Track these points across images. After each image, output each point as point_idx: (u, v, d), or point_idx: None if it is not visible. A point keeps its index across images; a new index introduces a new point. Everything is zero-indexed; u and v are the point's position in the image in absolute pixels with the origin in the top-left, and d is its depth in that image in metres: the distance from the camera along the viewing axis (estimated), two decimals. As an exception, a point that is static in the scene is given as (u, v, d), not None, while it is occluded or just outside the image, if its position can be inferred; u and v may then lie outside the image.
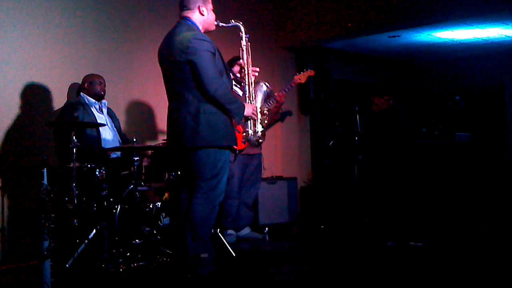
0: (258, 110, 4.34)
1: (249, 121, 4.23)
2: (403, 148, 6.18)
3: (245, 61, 4.24)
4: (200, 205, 3.87)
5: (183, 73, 3.83)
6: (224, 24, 4.17)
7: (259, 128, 4.34)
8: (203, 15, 4.02)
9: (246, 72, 4.25)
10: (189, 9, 4.00)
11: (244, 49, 4.25)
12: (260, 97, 4.38)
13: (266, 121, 4.38)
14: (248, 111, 4.07)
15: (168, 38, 3.96)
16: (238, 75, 4.42)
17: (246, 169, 5.86)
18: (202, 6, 4.01)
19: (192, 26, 3.97)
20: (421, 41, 7.72)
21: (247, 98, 4.22)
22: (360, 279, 4.15)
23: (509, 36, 7.40)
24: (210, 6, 4.07)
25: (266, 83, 4.46)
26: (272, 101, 5.93)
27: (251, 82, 4.26)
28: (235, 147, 4.17)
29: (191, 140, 3.82)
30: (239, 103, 4.00)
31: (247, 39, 4.25)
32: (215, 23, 4.11)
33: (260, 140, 4.36)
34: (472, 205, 6.19)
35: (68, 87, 5.26)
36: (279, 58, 7.47)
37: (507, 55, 8.35)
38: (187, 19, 4.00)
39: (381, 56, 8.72)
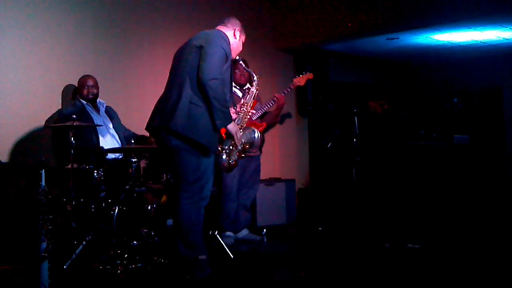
0: (241, 143, 4.39)
1: (229, 141, 4.30)
2: (401, 149, 6.19)
3: (247, 102, 4.53)
4: (186, 211, 3.85)
5: (191, 58, 3.86)
6: (243, 65, 4.61)
7: (235, 157, 4.39)
8: (235, 38, 4.14)
9: (245, 109, 4.50)
10: (226, 26, 4.13)
11: (251, 94, 4.58)
12: (246, 136, 4.50)
13: (243, 155, 4.48)
14: (233, 127, 4.09)
15: (195, 36, 4.03)
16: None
17: (244, 171, 5.87)
18: (238, 30, 4.15)
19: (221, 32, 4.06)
20: (419, 44, 7.72)
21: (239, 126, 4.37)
22: (358, 280, 4.16)
23: (506, 39, 7.41)
24: (243, 38, 4.22)
25: (259, 133, 4.65)
26: (272, 103, 5.94)
27: (246, 117, 4.49)
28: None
29: (166, 121, 3.80)
30: (228, 110, 3.98)
31: (257, 87, 4.58)
32: (237, 57, 4.29)
33: (231, 167, 4.42)
34: (470, 207, 6.19)
35: (67, 89, 5.27)
36: (278, 60, 7.48)
37: (505, 57, 8.36)
38: (220, 31, 4.07)
39: (379, 58, 8.73)
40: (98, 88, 5.09)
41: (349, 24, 6.67)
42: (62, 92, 5.25)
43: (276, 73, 7.40)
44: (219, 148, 4.25)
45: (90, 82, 5.04)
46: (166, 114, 3.83)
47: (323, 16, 6.91)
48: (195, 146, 3.84)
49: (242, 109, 4.48)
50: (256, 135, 4.60)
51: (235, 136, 4.19)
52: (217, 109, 3.83)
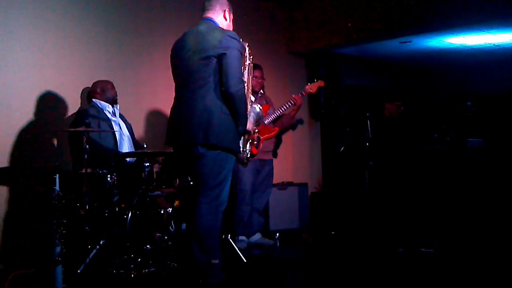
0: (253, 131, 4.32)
1: (242, 137, 4.21)
2: (414, 153, 6.16)
3: (245, 79, 4.27)
4: (204, 216, 3.84)
5: (209, 68, 3.81)
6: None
7: (248, 147, 4.30)
8: (226, 20, 4.09)
9: (245, 90, 4.22)
10: (214, 10, 4.05)
11: (247, 68, 4.29)
12: (252, 118, 4.38)
13: (255, 142, 4.40)
14: (248, 126, 4.08)
15: (193, 34, 3.95)
16: None
17: (258, 175, 5.87)
18: (227, 11, 4.09)
19: (217, 26, 4.00)
20: (433, 47, 7.70)
21: None
22: (371, 285, 4.14)
23: (521, 42, 7.38)
24: (232, 16, 4.16)
25: (259, 106, 4.49)
26: (289, 104, 5.96)
27: (249, 100, 4.26)
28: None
29: (204, 138, 3.79)
30: (247, 114, 4.01)
31: (251, 59, 4.31)
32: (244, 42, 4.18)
33: (249, 158, 4.35)
34: (484, 211, 6.14)
35: (80, 92, 5.29)
36: (290, 64, 7.48)
37: (519, 61, 8.32)
38: (211, 19, 4.03)
39: (392, 61, 8.71)
40: None
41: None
42: (76, 96, 5.27)
43: (288, 77, 7.40)
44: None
45: (112, 84, 5.12)
46: (199, 129, 3.79)
47: (335, 20, 6.90)
48: (223, 151, 3.86)
49: None
50: (257, 109, 4.46)
51: (251, 132, 4.19)
52: (241, 116, 3.89)
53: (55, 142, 5.12)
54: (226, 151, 3.87)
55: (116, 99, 5.10)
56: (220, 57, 3.80)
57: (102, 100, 5.02)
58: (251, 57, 4.32)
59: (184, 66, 3.95)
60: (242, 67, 4.26)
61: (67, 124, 5.09)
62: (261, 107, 4.49)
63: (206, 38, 3.87)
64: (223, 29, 3.99)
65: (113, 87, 5.11)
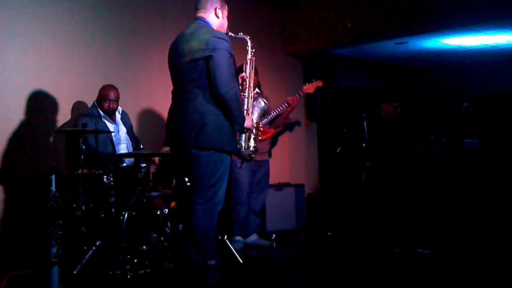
0: (255, 127, 4.30)
1: (244, 135, 4.21)
2: (410, 154, 6.17)
3: (248, 75, 4.23)
4: (200, 216, 3.84)
5: (198, 71, 3.79)
6: (233, 34, 4.14)
7: (252, 143, 4.26)
8: (218, 17, 4.04)
9: (247, 85, 4.22)
10: (205, 9, 4.01)
11: (249, 62, 4.25)
12: (257, 112, 4.35)
13: (260, 137, 4.38)
14: (247, 123, 4.06)
15: (184, 36, 3.94)
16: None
17: (254, 176, 5.88)
18: (219, 8, 4.03)
19: (208, 26, 3.97)
20: (429, 48, 7.71)
21: (245, 111, 4.15)
22: (367, 286, 4.14)
23: (517, 43, 7.39)
24: (226, 12, 4.10)
25: (264, 100, 4.44)
26: (285, 105, 5.96)
27: (251, 96, 4.23)
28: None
29: (197, 140, 3.79)
30: (243, 113, 4.00)
31: (252, 53, 4.26)
32: (226, 31, 4.11)
33: (252, 155, 4.32)
34: (480, 212, 6.16)
35: (77, 93, 5.28)
36: (287, 65, 7.48)
37: (515, 61, 8.33)
38: (202, 19, 4.01)
39: (388, 62, 8.72)
40: (119, 100, 5.02)
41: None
42: (71, 99, 5.27)
43: (285, 78, 7.40)
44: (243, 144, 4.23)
45: (112, 96, 4.93)
46: (191, 131, 3.79)
47: (332, 20, 6.91)
48: (217, 152, 3.85)
49: (244, 85, 4.19)
50: (262, 104, 4.41)
51: (251, 130, 4.18)
52: (235, 116, 3.86)
53: (52, 142, 5.12)
54: (220, 152, 3.87)
55: (111, 112, 4.97)
56: (208, 59, 3.77)
57: (101, 110, 4.98)
58: (253, 50, 4.27)
59: (177, 69, 3.95)
60: (244, 62, 4.25)
61: (64, 125, 5.09)
62: (266, 101, 4.46)
63: (193, 40, 3.85)
64: (211, 29, 3.94)
65: (109, 100, 4.92)
